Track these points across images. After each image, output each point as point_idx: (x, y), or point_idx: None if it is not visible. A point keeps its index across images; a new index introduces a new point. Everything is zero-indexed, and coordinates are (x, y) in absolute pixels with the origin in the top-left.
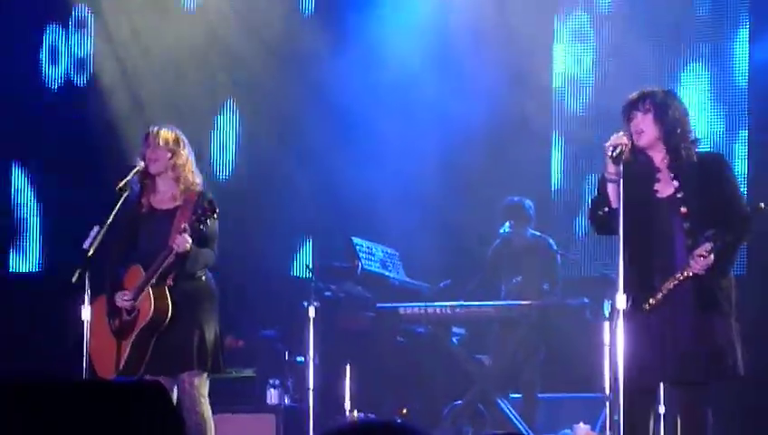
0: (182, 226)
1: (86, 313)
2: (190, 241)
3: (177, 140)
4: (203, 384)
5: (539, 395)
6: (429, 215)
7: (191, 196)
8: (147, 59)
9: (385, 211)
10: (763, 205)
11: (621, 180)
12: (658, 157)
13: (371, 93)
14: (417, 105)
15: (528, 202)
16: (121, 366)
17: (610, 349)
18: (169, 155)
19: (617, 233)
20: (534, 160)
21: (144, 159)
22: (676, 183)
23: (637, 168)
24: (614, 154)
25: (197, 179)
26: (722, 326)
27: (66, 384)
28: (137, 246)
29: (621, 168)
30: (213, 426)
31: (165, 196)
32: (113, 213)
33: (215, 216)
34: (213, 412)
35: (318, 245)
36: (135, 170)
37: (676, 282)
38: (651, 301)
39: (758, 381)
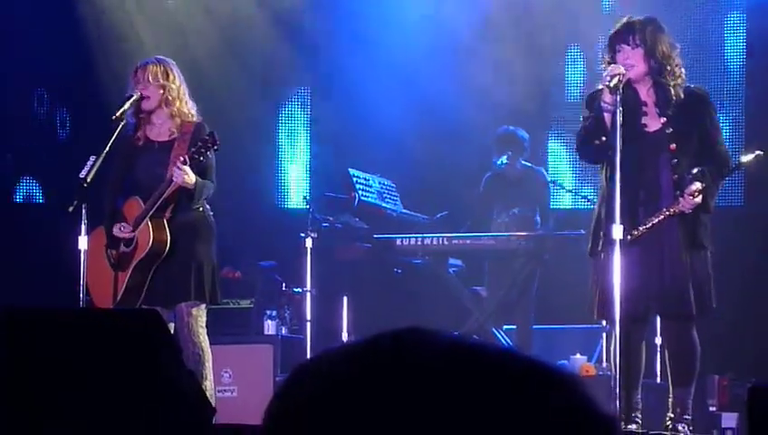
0: (181, 158)
1: (83, 242)
2: (191, 173)
3: (165, 73)
4: (200, 315)
5: (534, 326)
6: (425, 147)
7: (188, 127)
8: None
9: (382, 143)
10: (761, 152)
11: (617, 110)
12: (644, 90)
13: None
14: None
15: (522, 132)
16: (119, 297)
17: (599, 278)
18: (161, 90)
19: (607, 162)
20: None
21: (137, 89)
22: (663, 119)
23: (623, 100)
24: (611, 84)
25: (193, 110)
26: (704, 262)
27: (64, 312)
28: (135, 177)
29: (618, 97)
30: (210, 356)
31: (161, 128)
32: (110, 143)
33: (215, 147)
34: (211, 343)
35: (315, 176)
36: (131, 100)
37: (662, 217)
38: (635, 232)
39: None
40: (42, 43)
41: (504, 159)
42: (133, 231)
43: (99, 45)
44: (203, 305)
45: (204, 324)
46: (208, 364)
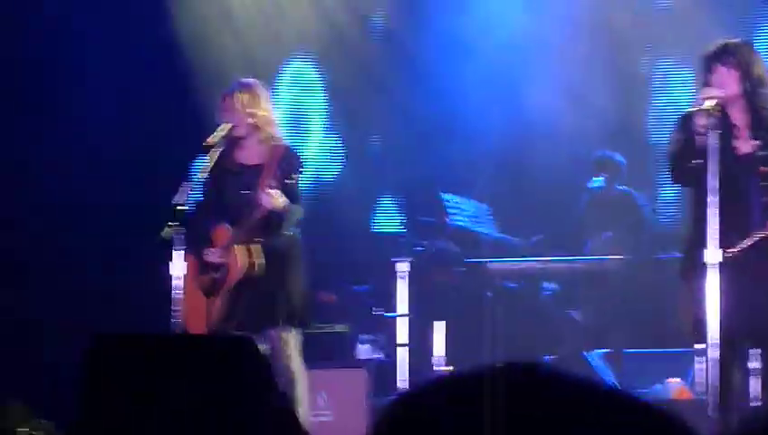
0: (269, 182)
1: (177, 268)
2: (279, 197)
3: (253, 100)
4: (292, 339)
5: (628, 350)
6: (520, 170)
7: (276, 151)
8: None
9: (476, 166)
10: None
11: (712, 132)
12: (736, 113)
13: (461, 51)
14: (511, 66)
15: (619, 156)
16: (212, 323)
17: (691, 301)
18: (250, 118)
19: (701, 186)
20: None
21: (226, 114)
22: (755, 142)
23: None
24: (706, 106)
25: (280, 133)
26: None
27: (157, 338)
28: (224, 202)
29: (712, 120)
30: (304, 380)
31: (250, 152)
32: (203, 169)
33: (300, 171)
34: (305, 366)
35: (409, 200)
36: (222, 130)
37: (752, 240)
38: (726, 255)
39: None
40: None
41: (599, 181)
42: (223, 257)
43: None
44: (294, 330)
45: (297, 348)
46: (301, 388)
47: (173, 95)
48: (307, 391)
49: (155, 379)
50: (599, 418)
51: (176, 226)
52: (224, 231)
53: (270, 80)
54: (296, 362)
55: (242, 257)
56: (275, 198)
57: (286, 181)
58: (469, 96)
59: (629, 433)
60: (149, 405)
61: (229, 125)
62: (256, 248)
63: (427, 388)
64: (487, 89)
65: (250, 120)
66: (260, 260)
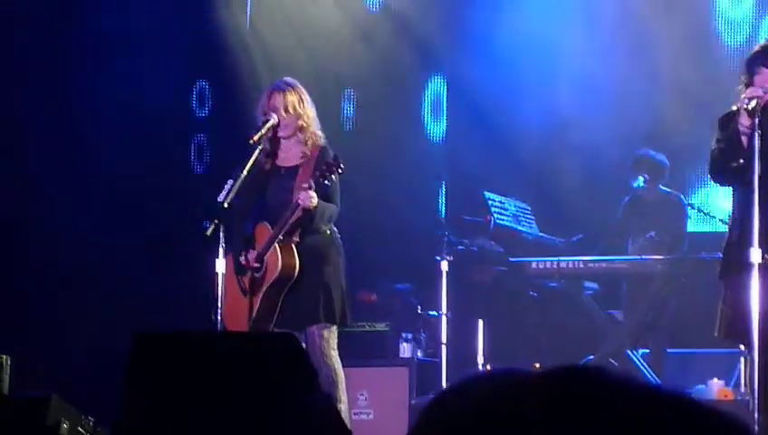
0: (306, 182)
1: (220, 265)
2: (315, 196)
3: (301, 101)
4: (332, 337)
5: (670, 350)
6: (562, 169)
7: (314, 151)
8: None
9: (517, 165)
10: None
11: (755, 133)
12: None
13: (501, 50)
14: (552, 66)
15: (661, 156)
16: (252, 321)
17: (730, 301)
18: (297, 119)
19: (744, 186)
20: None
21: (273, 112)
22: None
23: (760, 123)
24: (749, 107)
25: (321, 133)
26: None
27: (200, 335)
28: (263, 203)
29: (756, 120)
30: (343, 377)
31: (289, 153)
32: (247, 167)
33: (339, 171)
34: (347, 365)
35: (451, 199)
36: (269, 125)
37: None
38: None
39: None
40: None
41: (639, 181)
42: (262, 256)
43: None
44: (333, 327)
45: (335, 346)
46: (341, 386)
47: (217, 93)
48: (346, 390)
49: (197, 378)
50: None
51: (218, 224)
52: (264, 230)
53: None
54: (335, 360)
55: (281, 256)
56: (314, 198)
57: (325, 182)
58: (511, 96)
59: None
60: (192, 404)
61: (274, 122)
62: (295, 248)
63: (466, 385)
64: (529, 88)
65: (299, 122)
66: (299, 259)
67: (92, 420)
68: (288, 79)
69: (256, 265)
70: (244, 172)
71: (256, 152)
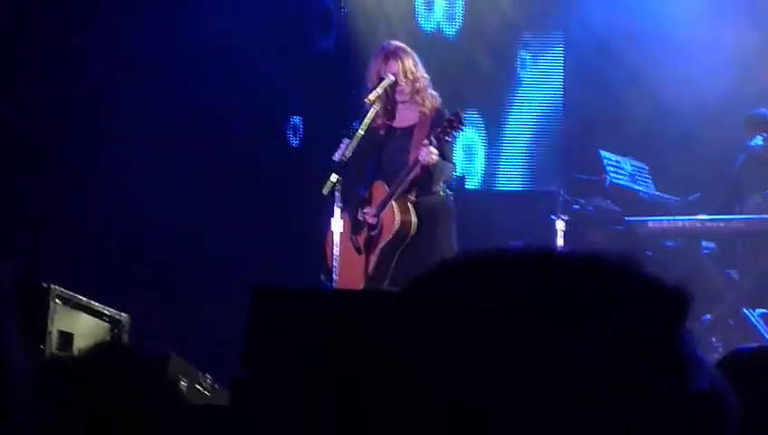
0: (428, 139)
1: (336, 224)
2: (436, 153)
3: (416, 64)
4: None
5: None
6: (678, 128)
7: (436, 111)
8: None
9: (633, 124)
10: None
11: None
12: None
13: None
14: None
15: None
16: (366, 279)
17: None
18: (414, 82)
19: None
20: None
21: (390, 74)
22: None
23: None
24: None
25: (435, 93)
26: None
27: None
28: (378, 163)
29: None
30: None
31: (404, 115)
32: (362, 125)
33: (461, 128)
34: None
35: (566, 158)
36: (386, 83)
37: None
38: None
39: None
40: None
41: (758, 139)
42: (378, 214)
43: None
44: None
45: None
46: None
47: (332, 54)
48: None
49: (316, 335)
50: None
51: (335, 182)
52: (381, 188)
53: None
54: None
55: (397, 215)
56: (434, 155)
57: (446, 139)
58: (622, 54)
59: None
60: (311, 362)
61: (390, 81)
62: (411, 206)
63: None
64: (643, 49)
65: (416, 84)
66: (414, 218)
67: (210, 377)
68: (397, 42)
69: (373, 220)
70: (361, 131)
71: (372, 112)
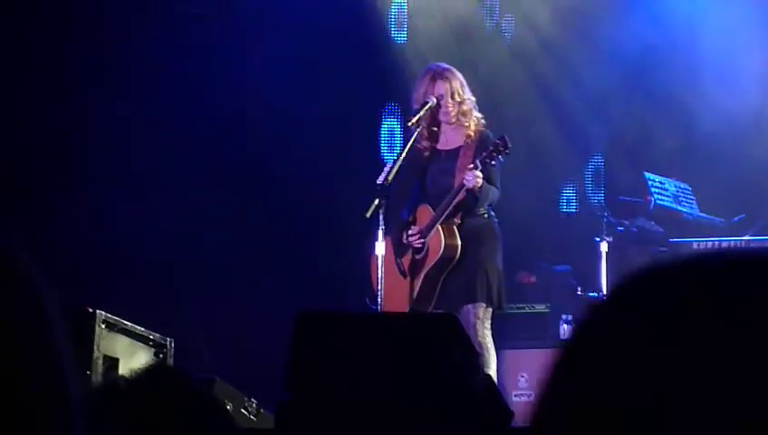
0: (471, 163)
1: (380, 247)
2: (481, 177)
3: (462, 86)
4: (486, 316)
5: None
6: (721, 149)
7: (481, 135)
8: None
9: (676, 145)
10: None
11: None
12: None
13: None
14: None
15: None
16: (412, 302)
17: None
18: (460, 104)
19: None
20: None
21: (434, 96)
22: None
23: None
24: None
25: (480, 115)
26: None
27: (362, 316)
28: (422, 186)
29: None
30: (495, 357)
31: (448, 137)
32: (406, 149)
33: (507, 152)
34: (508, 347)
35: (610, 180)
36: (428, 107)
37: None
38: None
39: None
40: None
41: None
42: (424, 238)
43: None
44: (489, 308)
45: (489, 326)
46: (494, 366)
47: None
48: (506, 372)
49: (360, 358)
50: None
51: (378, 205)
52: (426, 212)
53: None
54: (488, 339)
55: (443, 238)
56: (479, 179)
57: (492, 163)
58: (669, 77)
59: None
60: (355, 384)
61: (432, 104)
62: (456, 229)
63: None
64: (688, 71)
65: (462, 107)
66: (459, 241)
67: (255, 401)
68: (444, 64)
69: (419, 244)
70: (403, 154)
71: (415, 135)
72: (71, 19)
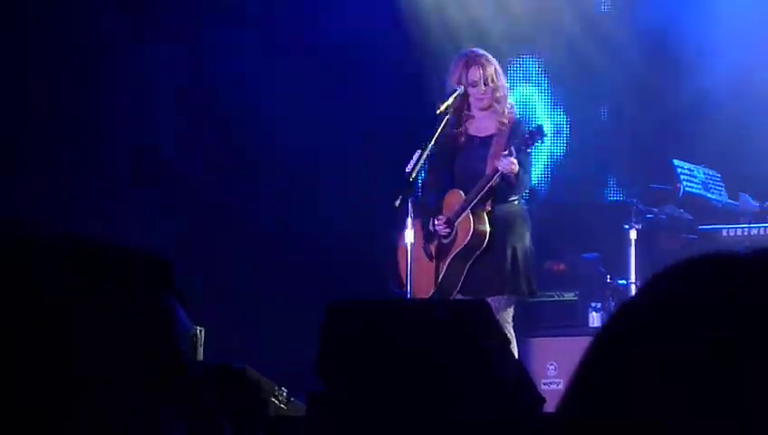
0: (505, 150)
1: (409, 236)
2: (516, 163)
3: (497, 72)
4: (510, 307)
5: None
6: (750, 135)
7: (514, 122)
8: None
9: (706, 132)
10: None
11: None
12: None
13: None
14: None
15: None
16: (436, 287)
17: None
18: (494, 91)
19: None
20: None
21: (463, 84)
22: None
23: None
24: None
25: (512, 101)
26: None
27: (392, 303)
28: (454, 172)
29: None
30: (516, 348)
31: (482, 124)
32: (434, 136)
33: (542, 140)
34: (537, 335)
35: (640, 168)
36: (456, 94)
37: None
38: None
39: None
40: None
41: None
42: (451, 224)
43: None
44: (513, 298)
45: (511, 318)
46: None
47: (404, 64)
48: (535, 360)
49: (391, 346)
50: None
51: (408, 192)
52: (457, 195)
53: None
54: (510, 329)
55: (473, 224)
56: (515, 165)
57: (525, 150)
58: (698, 64)
59: None
60: (386, 373)
61: (461, 92)
62: (485, 216)
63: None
64: (715, 57)
65: (497, 93)
66: (489, 228)
67: (286, 390)
68: (479, 50)
69: (446, 231)
70: (432, 142)
71: (443, 122)
72: (71, 19)
